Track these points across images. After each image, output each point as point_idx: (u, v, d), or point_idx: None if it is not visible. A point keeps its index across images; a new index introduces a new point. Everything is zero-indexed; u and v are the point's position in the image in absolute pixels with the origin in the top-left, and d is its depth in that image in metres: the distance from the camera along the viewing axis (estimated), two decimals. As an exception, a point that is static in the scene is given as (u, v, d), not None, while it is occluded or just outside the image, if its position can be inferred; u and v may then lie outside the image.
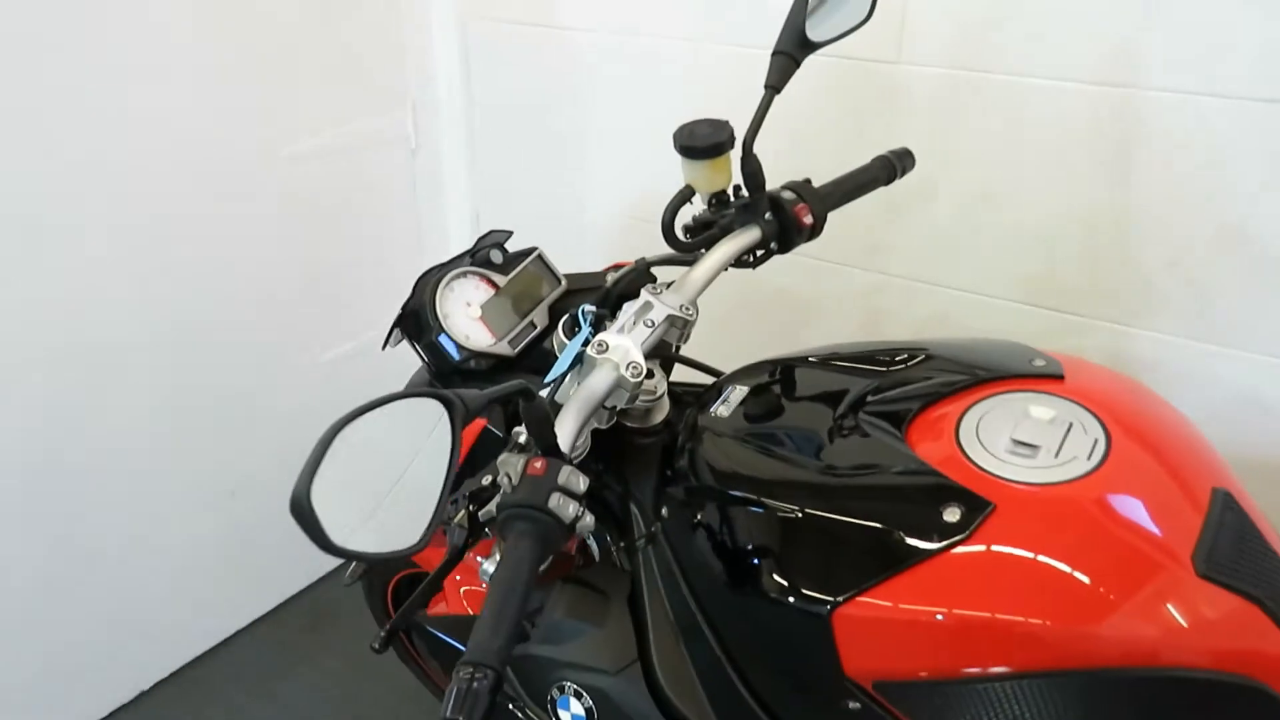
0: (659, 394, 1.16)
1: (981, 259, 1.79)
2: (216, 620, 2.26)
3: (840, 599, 0.86)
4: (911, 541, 0.85)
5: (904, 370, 1.05)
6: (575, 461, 0.93)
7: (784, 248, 1.23)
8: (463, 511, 1.00)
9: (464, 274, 1.21)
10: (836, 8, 1.20)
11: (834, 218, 1.23)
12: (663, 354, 1.20)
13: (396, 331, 1.23)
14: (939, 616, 0.83)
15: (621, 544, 1.15)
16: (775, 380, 1.13)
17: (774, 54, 1.18)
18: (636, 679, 1.06)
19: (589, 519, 0.89)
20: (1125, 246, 1.64)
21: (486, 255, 1.23)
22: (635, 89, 2.04)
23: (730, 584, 0.96)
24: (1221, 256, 1.57)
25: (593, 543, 1.22)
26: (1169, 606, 0.81)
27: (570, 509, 0.86)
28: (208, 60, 1.81)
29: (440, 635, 1.38)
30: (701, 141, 1.14)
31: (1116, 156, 1.61)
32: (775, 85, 1.18)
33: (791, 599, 0.89)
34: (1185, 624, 0.81)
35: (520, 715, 1.15)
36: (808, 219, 1.21)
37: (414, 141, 2.25)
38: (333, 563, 2.32)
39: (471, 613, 1.37)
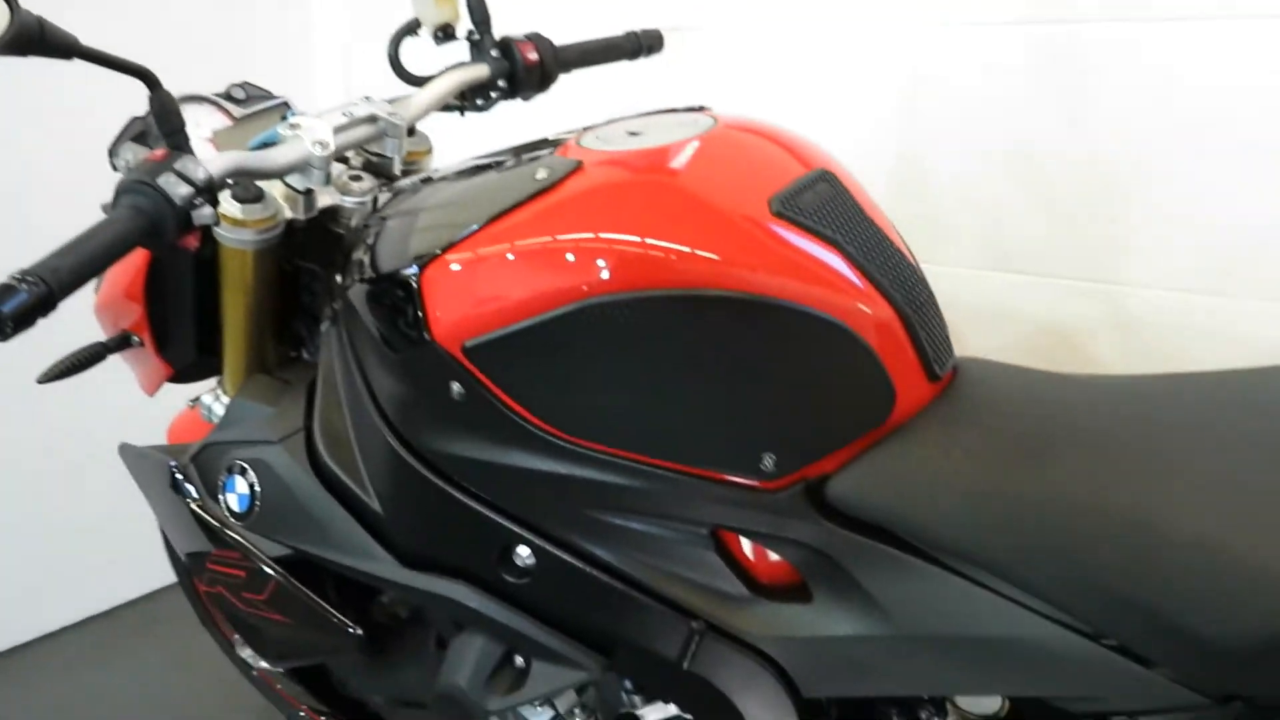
0: (368, 198, 1.17)
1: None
2: (44, 611, 2.16)
3: (425, 260, 0.85)
4: (501, 201, 0.85)
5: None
6: (218, 183, 0.92)
7: (513, 91, 1.28)
8: None
9: (202, 100, 1.25)
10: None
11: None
12: (385, 171, 1.22)
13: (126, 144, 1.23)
14: (514, 257, 0.82)
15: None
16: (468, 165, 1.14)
17: None
18: (298, 446, 1.03)
19: (207, 210, 0.89)
20: (914, 182, 1.68)
21: (229, 92, 1.28)
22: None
23: (361, 306, 0.95)
24: (1008, 184, 1.60)
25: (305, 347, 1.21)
26: (734, 235, 0.80)
27: (182, 189, 0.87)
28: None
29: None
30: None
31: (898, 93, 1.66)
32: None
33: (389, 274, 0.88)
34: (752, 251, 0.79)
35: (201, 516, 1.09)
36: (532, 56, 1.25)
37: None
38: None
39: None
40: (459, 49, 1.26)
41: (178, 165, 0.87)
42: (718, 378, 0.80)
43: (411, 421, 0.92)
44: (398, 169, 1.21)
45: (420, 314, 0.85)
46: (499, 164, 0.98)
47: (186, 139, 0.92)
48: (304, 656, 1.07)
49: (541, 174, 0.86)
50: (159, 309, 1.18)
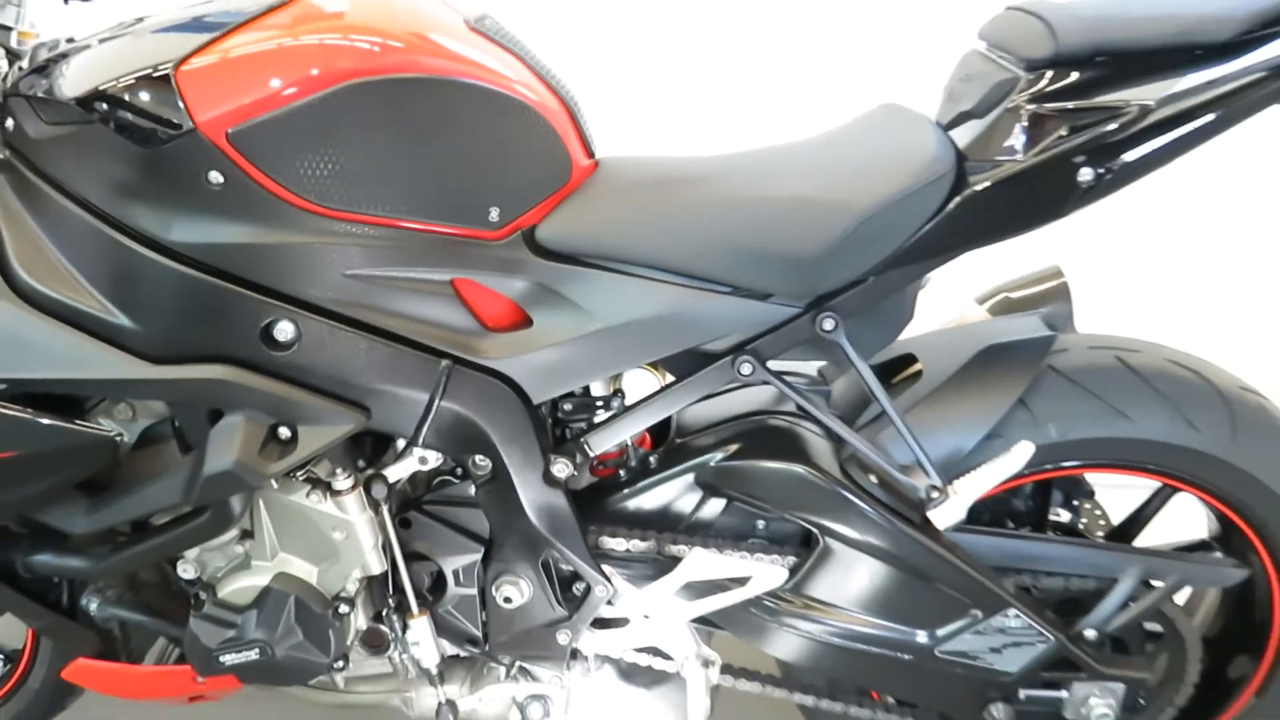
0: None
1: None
2: None
3: (176, 59, 0.96)
4: (239, 15, 0.99)
5: None
6: None
7: None
8: None
9: None
10: None
11: None
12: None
13: None
14: (274, 51, 0.98)
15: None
16: None
17: None
18: (-1, 285, 1.02)
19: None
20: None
21: None
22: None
23: (79, 122, 1.00)
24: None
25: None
26: (448, 37, 1.04)
27: None
28: None
29: None
30: None
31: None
32: None
33: (137, 85, 0.96)
34: (463, 48, 1.05)
35: None
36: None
37: None
38: None
39: None
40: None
41: None
42: (450, 145, 1.03)
43: (159, 221, 1.00)
44: (14, 41, 1.22)
45: (179, 104, 0.95)
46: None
47: None
48: (37, 483, 1.04)
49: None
50: None
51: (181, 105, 0.95)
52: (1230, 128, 1.00)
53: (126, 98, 0.97)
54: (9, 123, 1.06)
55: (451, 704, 1.24)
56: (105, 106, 0.98)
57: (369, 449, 1.19)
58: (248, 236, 1.00)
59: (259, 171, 0.98)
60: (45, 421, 1.00)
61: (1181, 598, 1.32)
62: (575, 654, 1.25)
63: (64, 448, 1.02)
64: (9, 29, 1.19)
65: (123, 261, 1.01)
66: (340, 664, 1.19)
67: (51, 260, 1.02)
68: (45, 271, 1.02)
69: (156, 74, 0.96)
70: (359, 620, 1.19)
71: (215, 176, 0.98)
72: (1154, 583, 1.22)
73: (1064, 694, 1.21)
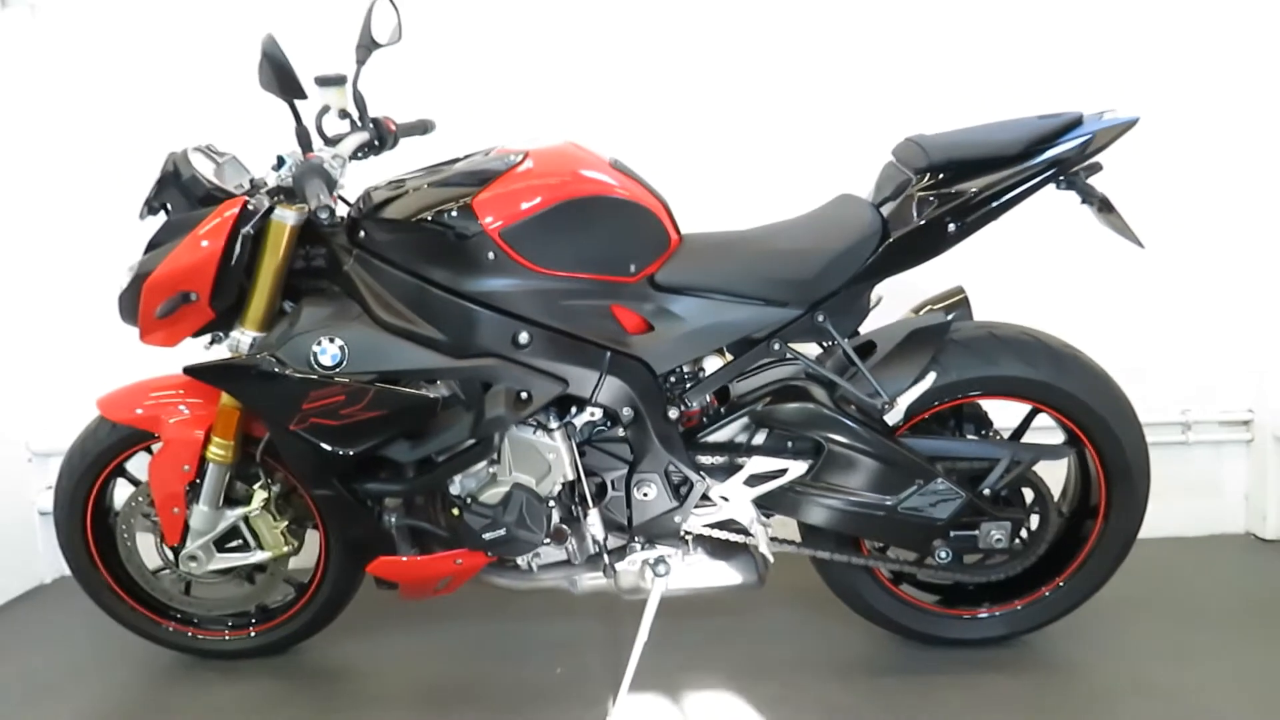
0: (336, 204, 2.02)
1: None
2: None
3: (471, 194, 1.83)
4: (494, 170, 1.87)
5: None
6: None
7: (380, 149, 2.19)
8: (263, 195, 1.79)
9: (199, 149, 1.98)
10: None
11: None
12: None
13: (154, 201, 1.93)
14: (521, 188, 1.85)
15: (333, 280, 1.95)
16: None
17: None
18: (366, 320, 1.87)
19: (339, 185, 1.77)
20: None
21: (208, 147, 2.02)
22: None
23: (412, 229, 1.85)
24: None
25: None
26: (606, 172, 1.92)
27: (331, 173, 1.75)
28: None
29: None
30: (322, 74, 2.11)
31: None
32: (366, 45, 2.19)
33: (449, 209, 1.83)
34: (614, 178, 1.92)
35: (299, 377, 1.82)
36: (393, 127, 2.20)
37: None
38: None
39: None
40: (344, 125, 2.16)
41: (325, 158, 1.75)
42: (607, 231, 1.89)
43: (455, 279, 1.85)
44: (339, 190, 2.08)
45: (474, 218, 1.81)
46: (455, 162, 1.95)
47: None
48: (391, 430, 1.86)
49: (511, 158, 1.89)
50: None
51: (475, 219, 1.82)
52: (1024, 200, 1.89)
53: (443, 217, 1.83)
54: (361, 233, 1.92)
55: (611, 566, 2.05)
56: (429, 222, 1.84)
57: (559, 408, 2.01)
58: (505, 286, 1.86)
59: (513, 251, 1.84)
60: (404, 390, 1.84)
61: (1057, 491, 2.16)
62: (682, 536, 2.06)
63: (410, 407, 1.85)
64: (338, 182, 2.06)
65: (435, 302, 1.86)
66: (546, 541, 1.99)
67: (394, 305, 1.87)
68: (391, 311, 1.87)
69: (460, 203, 1.82)
70: (555, 517, 2.00)
71: (490, 255, 1.83)
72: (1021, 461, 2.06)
73: (976, 532, 2.04)
